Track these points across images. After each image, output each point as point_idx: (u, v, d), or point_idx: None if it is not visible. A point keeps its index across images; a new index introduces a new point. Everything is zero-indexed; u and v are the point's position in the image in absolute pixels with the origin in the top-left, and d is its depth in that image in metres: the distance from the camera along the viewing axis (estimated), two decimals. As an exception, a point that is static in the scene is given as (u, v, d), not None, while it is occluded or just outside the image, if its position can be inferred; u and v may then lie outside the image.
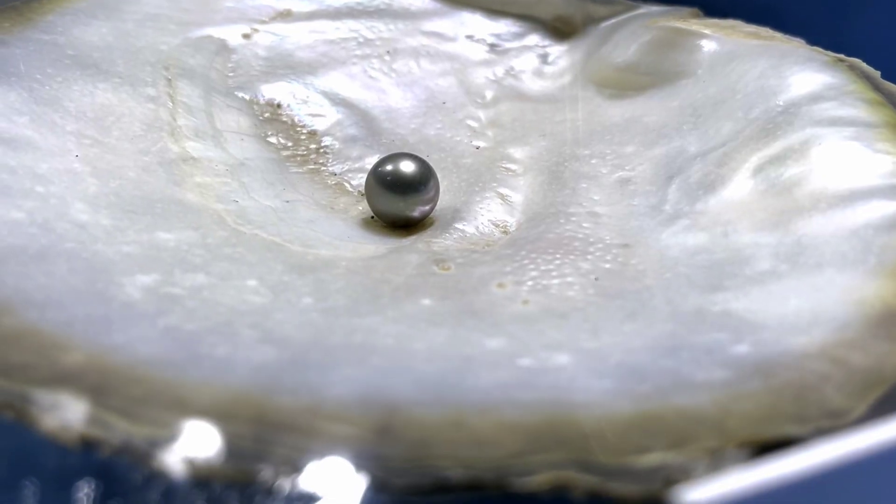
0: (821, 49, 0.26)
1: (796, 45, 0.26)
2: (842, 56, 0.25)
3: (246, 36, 0.29)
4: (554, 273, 0.21)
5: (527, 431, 0.15)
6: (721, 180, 0.23)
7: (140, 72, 0.26)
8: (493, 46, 0.31)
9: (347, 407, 0.15)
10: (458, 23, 0.31)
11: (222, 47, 0.28)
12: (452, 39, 0.31)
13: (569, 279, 0.21)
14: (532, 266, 0.21)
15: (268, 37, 0.29)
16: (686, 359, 0.17)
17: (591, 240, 0.22)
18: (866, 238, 0.20)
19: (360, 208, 0.24)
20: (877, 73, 0.25)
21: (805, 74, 0.25)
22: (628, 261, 0.21)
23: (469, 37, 0.31)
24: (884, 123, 0.23)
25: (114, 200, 0.21)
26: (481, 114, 0.29)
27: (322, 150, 0.27)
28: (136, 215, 0.21)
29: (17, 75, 0.24)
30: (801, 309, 0.18)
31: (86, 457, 0.15)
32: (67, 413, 0.14)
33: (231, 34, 0.29)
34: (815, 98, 0.24)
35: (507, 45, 0.31)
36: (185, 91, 0.26)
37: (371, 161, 0.26)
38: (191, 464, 0.14)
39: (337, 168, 0.26)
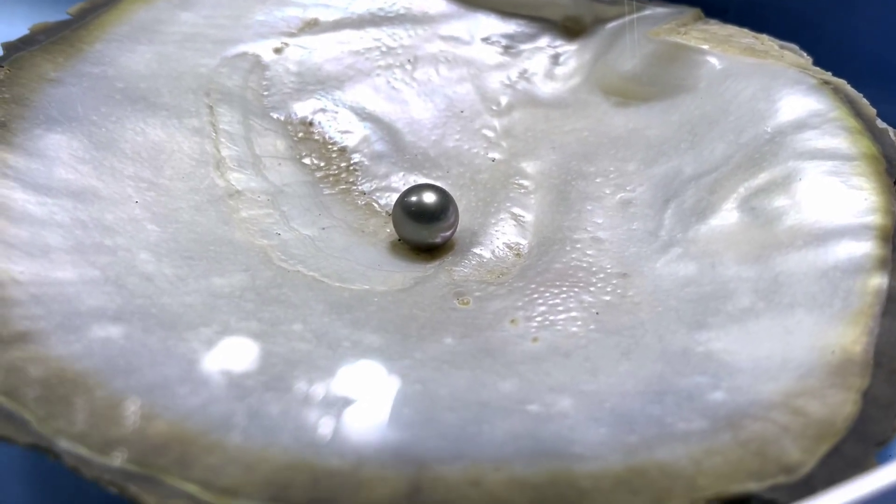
0: (810, 66, 0.28)
1: (787, 64, 0.28)
2: (827, 77, 0.27)
3: (277, 50, 0.31)
4: (560, 308, 0.24)
5: (534, 488, 0.18)
6: (711, 208, 0.25)
7: (184, 101, 0.29)
8: (507, 48, 0.33)
9: (385, 466, 0.18)
10: (474, 24, 0.34)
11: (256, 64, 0.31)
12: (468, 43, 0.33)
13: (573, 314, 0.23)
14: (540, 300, 0.24)
15: (297, 51, 0.32)
16: (670, 406, 0.20)
17: (594, 269, 0.25)
18: (834, 280, 0.22)
19: (388, 231, 0.27)
20: (859, 97, 0.27)
21: (792, 98, 0.27)
22: (626, 292, 0.24)
23: (485, 39, 0.33)
24: (861, 156, 0.25)
25: (173, 246, 0.24)
26: (496, 122, 0.31)
27: (352, 168, 0.29)
28: (194, 261, 0.24)
29: (77, 119, 0.26)
30: (772, 352, 0.21)
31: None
32: (161, 488, 0.17)
33: (264, 49, 0.31)
34: (800, 126, 0.26)
35: (521, 46, 0.33)
36: (225, 118, 0.29)
37: (396, 179, 0.29)
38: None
39: (366, 186, 0.29)
